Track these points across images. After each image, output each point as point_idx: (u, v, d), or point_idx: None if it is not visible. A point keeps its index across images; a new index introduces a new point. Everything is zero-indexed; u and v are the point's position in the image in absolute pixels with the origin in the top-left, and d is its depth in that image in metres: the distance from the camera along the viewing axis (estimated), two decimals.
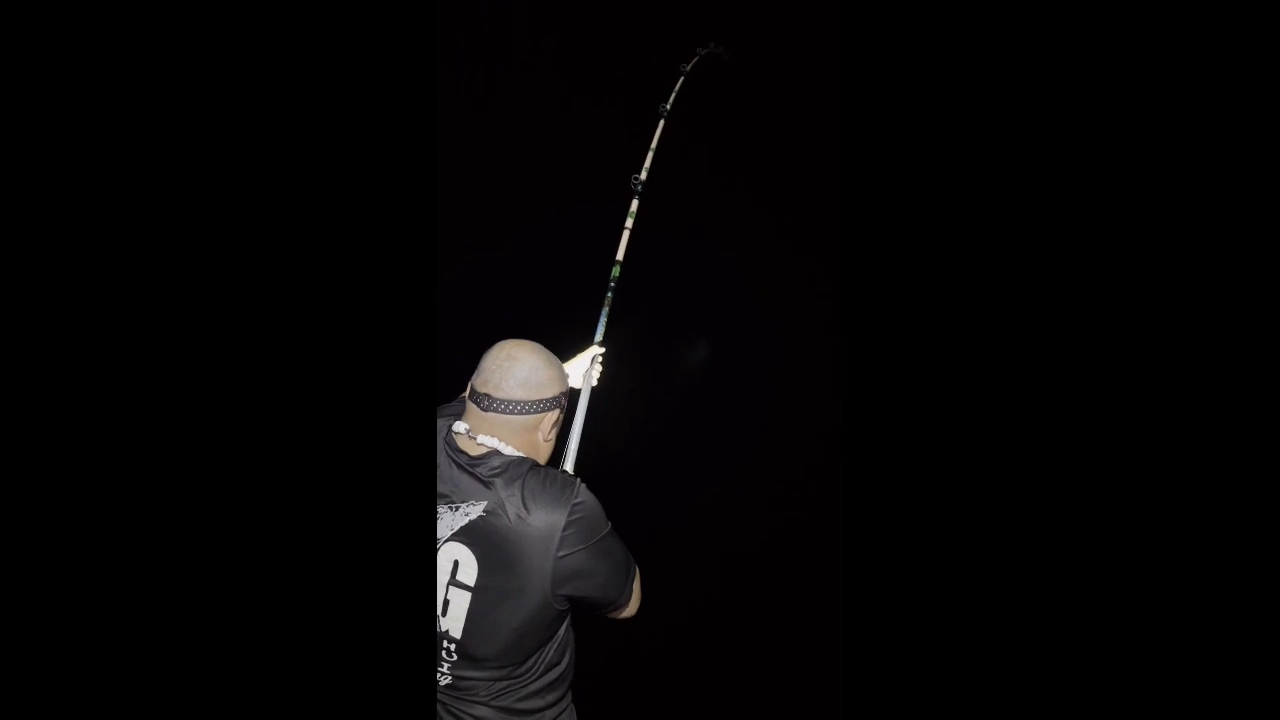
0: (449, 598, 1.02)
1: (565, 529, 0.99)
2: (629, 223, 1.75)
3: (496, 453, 1.04)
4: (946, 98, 0.78)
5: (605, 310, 1.60)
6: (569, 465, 1.35)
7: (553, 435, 1.12)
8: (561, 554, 0.99)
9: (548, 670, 1.07)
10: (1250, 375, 0.68)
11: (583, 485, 1.05)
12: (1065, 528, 0.71)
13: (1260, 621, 0.65)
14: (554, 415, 1.10)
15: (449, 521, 1.02)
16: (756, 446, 2.85)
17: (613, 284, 1.65)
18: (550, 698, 1.08)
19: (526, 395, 1.05)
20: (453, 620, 1.02)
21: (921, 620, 0.74)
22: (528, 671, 1.05)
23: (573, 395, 1.44)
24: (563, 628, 1.09)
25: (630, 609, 1.11)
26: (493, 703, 1.04)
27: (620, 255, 1.70)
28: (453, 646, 1.03)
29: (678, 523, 2.52)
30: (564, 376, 1.13)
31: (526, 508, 0.99)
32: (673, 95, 1.89)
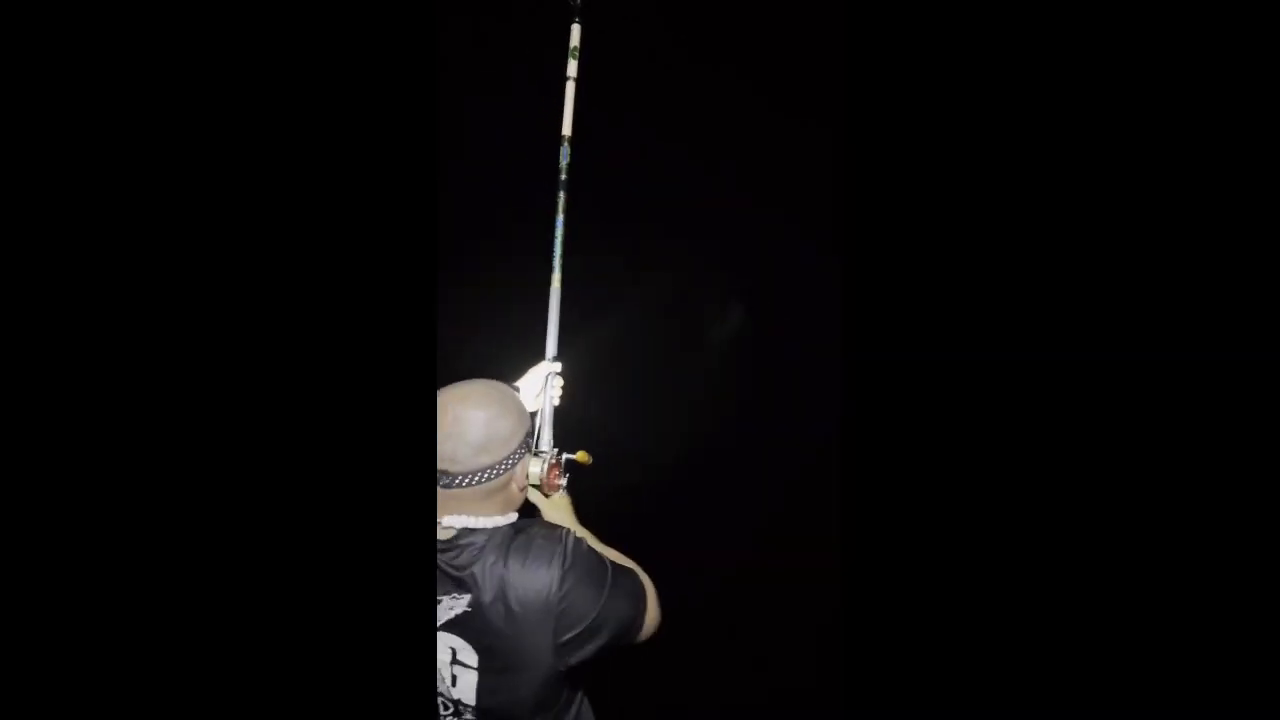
0: (455, 674, 0.96)
1: (561, 605, 0.90)
2: (571, 69, 1.35)
3: (467, 531, 0.93)
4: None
5: (553, 316, 1.29)
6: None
7: (526, 480, 0.99)
8: (563, 639, 0.91)
9: None
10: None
11: (570, 537, 0.95)
12: (1067, 532, 0.70)
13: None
14: (525, 462, 0.97)
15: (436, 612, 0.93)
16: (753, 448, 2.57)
17: (564, 177, 1.34)
18: None
19: (491, 459, 0.91)
20: (464, 691, 0.96)
21: (921, 622, 0.73)
22: None
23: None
24: (579, 692, 1.05)
25: (649, 629, 1.00)
26: None
27: (567, 129, 1.37)
28: (469, 713, 0.97)
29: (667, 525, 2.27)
30: (523, 411, 0.98)
31: (516, 589, 0.89)
32: None
